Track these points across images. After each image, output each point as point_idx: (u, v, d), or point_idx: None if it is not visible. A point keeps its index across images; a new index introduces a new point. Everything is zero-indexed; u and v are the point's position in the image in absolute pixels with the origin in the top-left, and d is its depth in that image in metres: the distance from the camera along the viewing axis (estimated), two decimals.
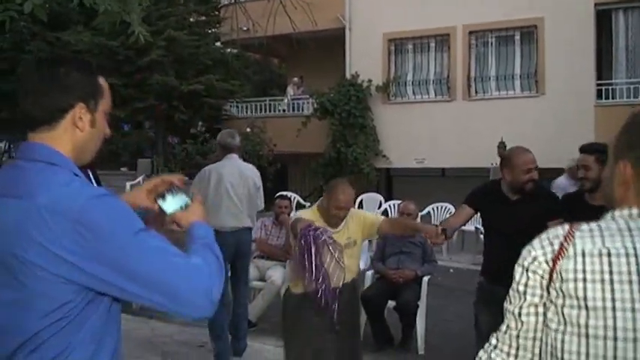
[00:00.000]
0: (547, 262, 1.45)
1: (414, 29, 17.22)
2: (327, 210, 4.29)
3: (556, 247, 1.44)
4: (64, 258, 1.52)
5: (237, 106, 21.47)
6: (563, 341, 1.40)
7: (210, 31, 22.27)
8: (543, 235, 1.50)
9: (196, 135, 20.03)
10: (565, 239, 1.44)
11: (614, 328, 1.35)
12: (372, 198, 15.02)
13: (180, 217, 1.92)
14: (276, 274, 7.07)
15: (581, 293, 1.38)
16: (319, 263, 3.79)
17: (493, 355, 1.55)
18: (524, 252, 1.51)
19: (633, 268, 1.36)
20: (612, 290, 1.36)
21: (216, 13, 20.98)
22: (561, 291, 1.40)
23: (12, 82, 20.33)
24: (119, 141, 20.46)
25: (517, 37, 16.62)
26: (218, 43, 22.33)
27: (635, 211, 1.46)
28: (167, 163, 19.16)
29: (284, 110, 20.62)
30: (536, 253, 1.47)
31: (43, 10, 3.87)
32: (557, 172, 9.81)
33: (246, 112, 21.08)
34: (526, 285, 1.48)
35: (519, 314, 1.50)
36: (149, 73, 19.40)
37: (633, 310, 1.35)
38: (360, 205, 14.14)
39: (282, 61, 25.49)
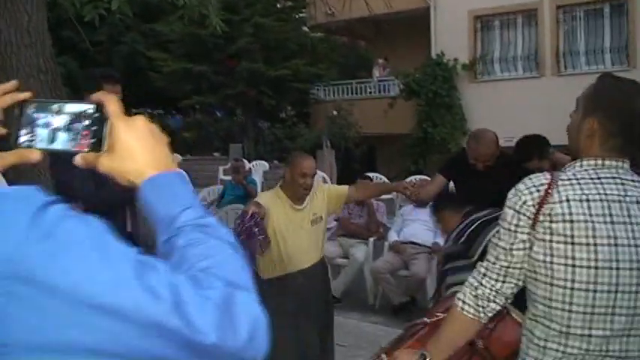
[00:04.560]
0: (534, 206, 1.77)
1: (501, 5, 16.87)
2: (292, 183, 3.98)
3: (542, 193, 1.77)
4: None
5: (324, 90, 21.72)
6: (552, 269, 1.75)
7: (296, 16, 22.58)
8: (528, 182, 1.83)
9: (285, 119, 20.42)
10: (549, 186, 1.76)
11: (596, 260, 1.71)
12: None
13: (107, 162, 1.00)
14: (359, 251, 7.26)
15: (568, 232, 1.72)
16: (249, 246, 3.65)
17: (484, 282, 1.89)
18: (513, 197, 1.84)
19: (606, 211, 1.73)
20: (594, 229, 1.72)
21: None
22: (549, 229, 1.73)
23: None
24: (211, 127, 21.06)
25: (606, 10, 16.01)
26: (304, 28, 22.63)
27: (599, 161, 1.80)
28: (257, 147, 19.65)
29: (370, 92, 20.69)
30: (526, 197, 1.80)
31: (129, 6, 4.18)
32: None
33: (333, 95, 21.29)
34: (517, 225, 1.80)
35: (511, 249, 1.82)
36: (238, 60, 19.89)
37: (610, 245, 1.71)
38: None
39: (368, 43, 25.53)
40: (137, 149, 1.00)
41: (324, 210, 4.17)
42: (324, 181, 12.21)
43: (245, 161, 13.48)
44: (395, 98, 18.35)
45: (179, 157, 18.41)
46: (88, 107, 0.98)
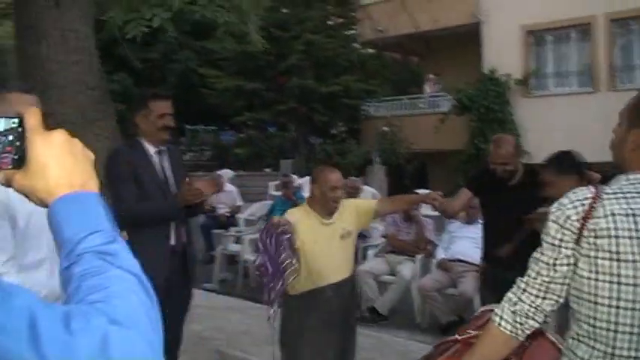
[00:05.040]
0: (578, 221, 1.70)
1: (553, 20, 16.63)
2: (321, 198, 3.94)
3: (586, 207, 1.69)
4: None
5: (375, 106, 21.69)
6: (596, 287, 1.68)
7: (347, 33, 22.68)
8: (572, 196, 1.76)
9: (335, 135, 20.46)
10: (594, 200, 1.69)
11: None
12: None
13: (20, 179, 0.95)
14: (406, 268, 7.17)
15: (614, 248, 1.66)
16: (276, 260, 3.62)
17: (523, 297, 1.82)
18: (557, 211, 1.77)
19: None
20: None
21: (353, 14, 21.35)
22: (594, 245, 1.65)
23: (163, 90, 21.75)
24: (263, 143, 21.25)
25: None
26: (355, 45, 22.70)
27: None
28: (308, 164, 19.71)
29: (421, 108, 20.59)
30: (570, 212, 1.73)
31: (171, 23, 4.24)
32: None
33: (384, 111, 21.25)
34: (561, 240, 1.74)
35: (554, 264, 1.76)
36: (289, 77, 20.05)
37: None
38: None
39: (420, 59, 25.47)
40: (50, 166, 0.93)
41: (354, 225, 4.12)
42: (374, 198, 12.13)
43: (295, 177, 13.51)
44: (446, 114, 18.21)
45: (231, 173, 18.59)
46: (13, 121, 0.94)
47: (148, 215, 3.66)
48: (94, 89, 4.43)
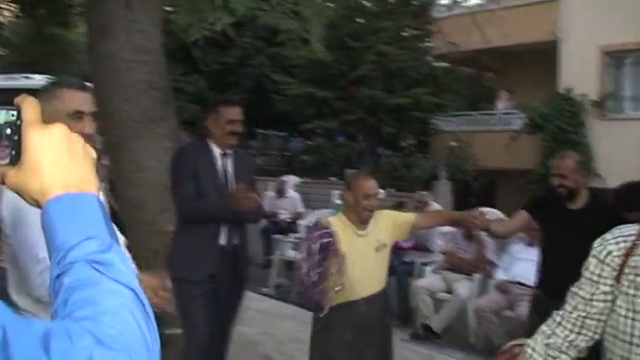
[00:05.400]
0: (619, 257, 1.65)
1: (632, 41, 16.09)
2: (355, 206, 3.80)
3: (629, 244, 1.64)
4: None
5: (445, 120, 21.45)
6: (633, 327, 1.62)
7: (421, 46, 22.53)
8: (616, 232, 1.71)
9: (404, 148, 20.34)
10: (637, 237, 1.63)
11: None
12: None
13: (13, 176, 0.88)
14: (463, 287, 7.03)
15: None
16: (320, 266, 3.57)
17: (557, 331, 1.78)
18: (598, 246, 1.73)
19: None
20: None
21: (429, 27, 21.20)
22: (634, 283, 1.61)
23: (237, 94, 22.12)
24: (330, 152, 21.31)
25: None
26: (428, 58, 22.53)
27: None
28: (374, 175, 19.63)
29: (493, 125, 20.23)
30: (611, 247, 1.68)
31: (232, 28, 4.28)
32: None
33: (454, 125, 20.99)
34: (600, 275, 1.69)
35: (591, 299, 1.71)
36: (360, 87, 20.05)
37: None
38: None
39: (494, 75, 25.07)
40: (46, 163, 0.85)
41: (389, 237, 3.99)
42: None
43: None
44: (518, 132, 17.83)
45: (296, 179, 18.69)
46: (12, 113, 0.87)
47: (200, 213, 3.79)
48: (158, 89, 4.51)
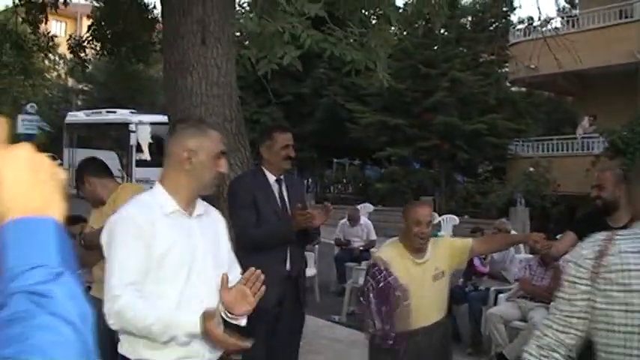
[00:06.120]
0: (593, 259, 1.90)
1: None
2: (408, 234, 3.76)
3: (601, 247, 1.90)
4: None
5: (523, 145, 21.10)
6: (612, 316, 1.85)
7: (498, 71, 22.33)
8: (591, 238, 1.98)
9: (479, 174, 20.12)
10: (609, 241, 1.91)
11: None
12: None
13: None
14: (539, 315, 6.88)
15: (626, 280, 1.84)
16: (387, 305, 3.54)
17: (548, 332, 2.00)
18: (575, 251, 2.01)
19: None
20: None
21: (506, 52, 21.01)
22: (609, 280, 1.85)
23: (312, 123, 22.43)
24: (403, 179, 21.27)
25: None
26: (506, 83, 22.29)
27: None
28: (448, 202, 19.48)
29: (574, 149, 19.77)
30: (585, 252, 1.95)
31: (298, 60, 4.44)
32: None
33: (532, 150, 20.62)
34: (576, 277, 1.94)
35: (570, 300, 1.95)
36: (434, 114, 20.02)
37: None
38: None
39: (576, 99, 24.55)
40: (5, 184, 0.82)
41: (447, 264, 3.92)
42: None
43: (434, 214, 13.40)
44: (598, 156, 17.37)
45: (371, 207, 18.73)
46: None
47: (263, 237, 3.83)
48: (232, 121, 4.70)
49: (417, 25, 19.07)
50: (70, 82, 36.37)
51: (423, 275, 3.78)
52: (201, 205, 2.55)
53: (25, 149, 0.85)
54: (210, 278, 2.43)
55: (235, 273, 2.60)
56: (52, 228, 0.81)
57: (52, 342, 0.72)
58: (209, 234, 2.54)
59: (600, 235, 1.97)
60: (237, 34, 5.10)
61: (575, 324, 1.95)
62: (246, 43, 6.64)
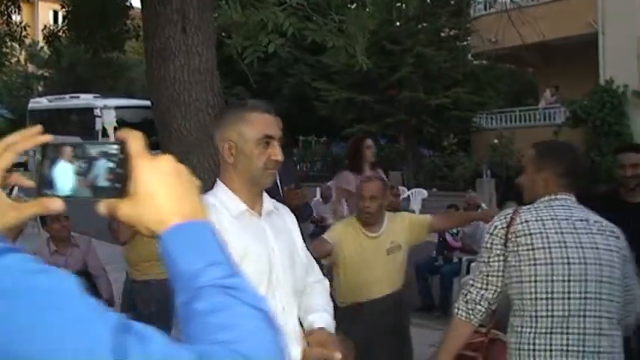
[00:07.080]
0: (503, 229, 2.41)
1: None
2: (358, 210, 3.87)
3: (508, 219, 2.42)
4: None
5: (486, 118, 21.49)
6: (521, 270, 2.34)
7: (459, 45, 22.60)
8: (501, 214, 2.49)
9: (445, 147, 20.45)
10: (514, 214, 2.42)
11: (552, 258, 2.30)
12: None
13: (126, 208, 0.89)
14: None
15: (529, 241, 2.34)
16: None
17: (472, 290, 2.48)
18: (491, 223, 2.51)
19: (557, 225, 2.35)
20: (547, 237, 2.33)
21: (467, 26, 21.28)
22: (516, 243, 2.36)
23: (278, 102, 22.56)
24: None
25: None
26: (468, 57, 22.57)
27: (552, 196, 2.46)
28: (416, 176, 19.80)
29: (536, 120, 20.23)
30: (497, 223, 2.45)
31: (284, 48, 4.60)
32: None
33: (495, 123, 21.03)
34: (492, 243, 2.43)
35: (488, 261, 2.43)
36: (400, 90, 20.26)
37: (560, 247, 2.31)
38: None
39: (536, 71, 24.96)
40: (160, 194, 0.87)
41: (404, 239, 3.95)
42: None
43: (403, 189, 13.70)
44: (560, 126, 17.84)
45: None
46: (112, 148, 0.89)
47: None
48: (214, 107, 4.86)
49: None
50: (30, 67, 35.80)
51: (376, 248, 3.85)
52: (269, 201, 2.24)
53: (169, 159, 0.90)
54: (288, 281, 2.17)
55: (314, 275, 2.39)
56: (210, 230, 0.88)
57: (257, 328, 0.80)
58: (283, 233, 2.23)
59: (508, 210, 2.49)
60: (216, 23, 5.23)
61: (493, 281, 2.41)
62: (224, 32, 6.75)
